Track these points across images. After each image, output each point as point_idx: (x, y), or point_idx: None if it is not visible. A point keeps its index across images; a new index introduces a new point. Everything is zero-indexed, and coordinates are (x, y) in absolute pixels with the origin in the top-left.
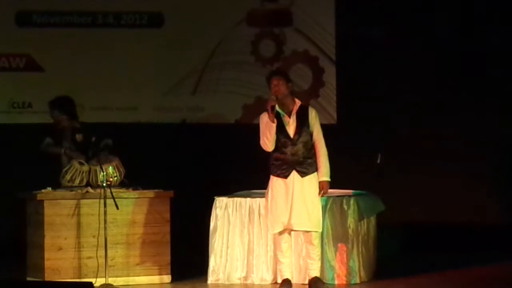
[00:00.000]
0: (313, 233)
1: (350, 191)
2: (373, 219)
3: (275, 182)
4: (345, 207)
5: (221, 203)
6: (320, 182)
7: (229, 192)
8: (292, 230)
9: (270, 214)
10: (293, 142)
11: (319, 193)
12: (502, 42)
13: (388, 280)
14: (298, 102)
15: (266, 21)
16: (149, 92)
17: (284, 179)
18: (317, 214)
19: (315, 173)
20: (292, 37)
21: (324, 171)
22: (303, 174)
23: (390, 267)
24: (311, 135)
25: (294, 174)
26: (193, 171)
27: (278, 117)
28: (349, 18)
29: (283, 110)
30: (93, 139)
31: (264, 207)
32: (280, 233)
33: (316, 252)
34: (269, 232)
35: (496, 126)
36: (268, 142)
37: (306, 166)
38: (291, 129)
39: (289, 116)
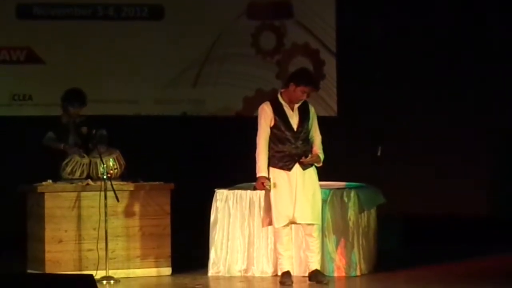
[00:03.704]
0: (313, 225)
1: (350, 183)
2: (373, 212)
3: (277, 174)
4: (345, 199)
5: (221, 195)
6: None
7: (229, 184)
8: (295, 223)
9: (274, 208)
10: (296, 134)
11: (306, 157)
12: (504, 32)
13: (388, 272)
14: None
15: (267, 13)
16: (150, 84)
17: (288, 172)
18: (318, 206)
19: (314, 167)
20: (293, 29)
21: (320, 153)
22: (304, 167)
23: (390, 259)
24: (310, 130)
25: (296, 166)
26: (194, 164)
27: (281, 108)
28: (349, 10)
29: (287, 102)
30: (93, 131)
31: (265, 199)
32: (283, 226)
33: (316, 244)
34: (275, 225)
35: (497, 118)
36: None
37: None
38: (294, 122)
39: (292, 110)
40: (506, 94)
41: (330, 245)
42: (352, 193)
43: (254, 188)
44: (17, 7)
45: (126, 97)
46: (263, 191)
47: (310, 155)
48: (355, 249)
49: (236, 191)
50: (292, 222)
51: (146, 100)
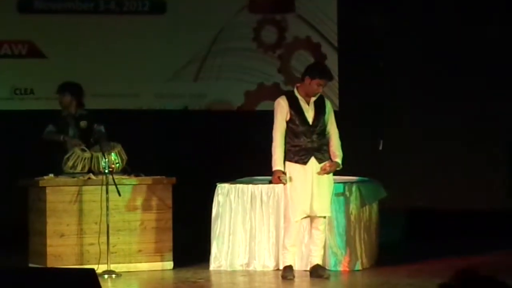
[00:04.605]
0: (321, 218)
1: (352, 178)
2: (375, 206)
3: (292, 168)
4: (347, 193)
5: (223, 189)
6: (332, 161)
7: (231, 178)
8: (315, 216)
9: (291, 202)
10: (312, 128)
11: (323, 169)
12: (505, 26)
13: (390, 267)
14: None
15: (268, 7)
16: (151, 78)
17: (303, 165)
18: (331, 199)
19: (330, 160)
20: (294, 23)
21: (339, 155)
22: (320, 160)
23: (392, 253)
24: (325, 125)
25: (312, 160)
26: (195, 158)
27: (297, 102)
28: (351, 4)
29: (303, 96)
30: (95, 126)
31: (284, 193)
32: (296, 221)
33: (321, 238)
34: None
35: (501, 110)
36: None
37: (323, 152)
38: (310, 116)
39: (308, 104)
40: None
41: (332, 239)
42: (354, 187)
43: (270, 182)
44: (18, 1)
45: (127, 91)
46: (265, 186)
47: (328, 163)
48: (357, 243)
49: (237, 185)
50: (311, 215)
51: (147, 94)
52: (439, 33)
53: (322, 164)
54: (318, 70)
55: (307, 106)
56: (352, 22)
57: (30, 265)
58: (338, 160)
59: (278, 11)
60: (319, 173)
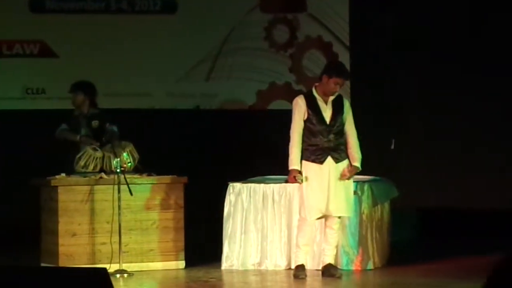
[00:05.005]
0: (336, 218)
1: (364, 177)
2: (386, 205)
3: (309, 167)
4: (359, 192)
5: (235, 189)
6: (352, 166)
7: (243, 178)
8: (331, 216)
9: (306, 201)
10: (329, 128)
11: (343, 175)
12: None
13: (402, 266)
14: None
15: (280, 6)
16: (163, 78)
17: (320, 165)
18: (350, 199)
19: (347, 160)
20: (306, 22)
21: (357, 157)
22: (336, 160)
23: (404, 253)
24: (343, 124)
25: (329, 160)
26: (207, 157)
27: (314, 101)
28: (363, 3)
29: (321, 96)
30: (107, 125)
31: (299, 193)
32: (311, 220)
33: (334, 237)
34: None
35: None
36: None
37: (340, 152)
38: (327, 116)
39: (326, 103)
40: None
41: (344, 238)
42: (366, 187)
43: (286, 182)
44: (30, 1)
45: (139, 90)
46: (277, 185)
47: (347, 168)
48: (369, 243)
49: (249, 184)
50: (327, 215)
51: (159, 93)
52: (453, 31)
53: (339, 163)
54: (335, 69)
55: (324, 105)
56: (363, 21)
57: (42, 264)
58: (357, 164)
59: (289, 10)
60: (340, 179)
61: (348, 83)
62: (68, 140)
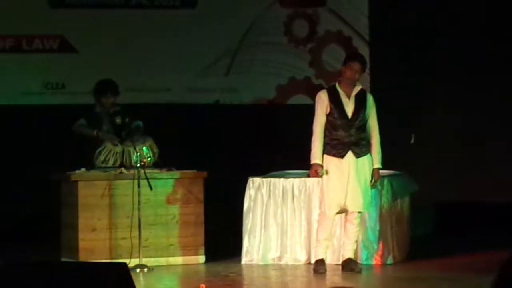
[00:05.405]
0: (356, 213)
1: (384, 171)
2: (406, 199)
3: (329, 161)
4: (379, 187)
5: (254, 183)
6: (374, 170)
7: (262, 172)
8: (347, 211)
9: (326, 195)
10: (351, 123)
11: (371, 181)
12: None
13: (422, 261)
14: (358, 86)
15: (299, 1)
16: (183, 73)
17: (340, 159)
18: (369, 195)
19: (368, 155)
20: (326, 17)
21: (377, 158)
22: (357, 154)
23: (424, 247)
24: (366, 119)
25: (349, 154)
26: (227, 152)
27: (337, 96)
28: None
29: (343, 90)
30: (127, 120)
31: (319, 187)
32: (331, 215)
33: (354, 232)
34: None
35: None
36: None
37: (361, 147)
38: (349, 110)
39: (348, 98)
40: None
41: (364, 233)
42: (386, 181)
43: (308, 176)
44: None
45: (159, 85)
46: (297, 180)
47: (373, 179)
48: (389, 237)
49: (269, 179)
50: (344, 210)
51: (179, 88)
52: (473, 25)
53: (359, 158)
54: (349, 56)
55: (347, 99)
56: (383, 16)
57: (63, 259)
58: (378, 165)
59: (309, 4)
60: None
61: (368, 77)
62: (84, 135)
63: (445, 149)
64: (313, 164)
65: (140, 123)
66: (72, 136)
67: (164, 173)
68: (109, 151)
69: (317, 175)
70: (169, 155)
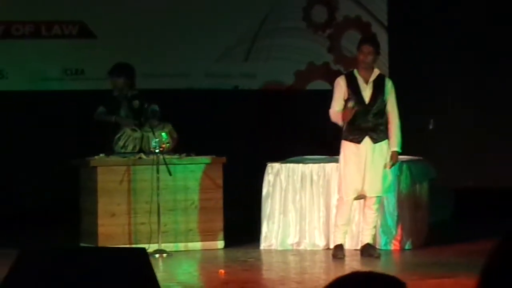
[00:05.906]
0: (374, 198)
1: (403, 157)
2: (425, 185)
3: (347, 147)
4: (398, 172)
5: (273, 169)
6: (392, 151)
7: (281, 158)
8: (365, 196)
9: (343, 180)
10: (368, 108)
11: (388, 164)
12: None
13: (440, 246)
14: (376, 71)
15: None
16: (202, 58)
17: (357, 144)
18: (387, 179)
19: (386, 140)
20: (344, 3)
21: (396, 141)
22: (374, 140)
23: (442, 233)
24: (385, 105)
25: (366, 140)
26: (246, 137)
27: (355, 81)
28: None
29: (361, 76)
30: (145, 105)
31: (337, 172)
32: (348, 200)
33: (372, 217)
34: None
35: None
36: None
37: (378, 132)
38: (367, 96)
39: (366, 83)
40: None
41: (383, 218)
42: (404, 167)
43: (343, 120)
44: None
45: (178, 71)
46: (315, 165)
47: (391, 162)
48: (407, 223)
49: (288, 164)
50: (361, 195)
51: (198, 74)
52: (491, 11)
53: (377, 144)
54: (361, 39)
55: (365, 85)
56: (402, 1)
57: (82, 244)
58: (396, 148)
59: None
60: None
61: (386, 62)
62: (104, 122)
63: (464, 135)
64: (341, 113)
65: (156, 107)
66: (94, 124)
67: (183, 159)
68: (128, 137)
69: (349, 111)
70: (188, 140)
